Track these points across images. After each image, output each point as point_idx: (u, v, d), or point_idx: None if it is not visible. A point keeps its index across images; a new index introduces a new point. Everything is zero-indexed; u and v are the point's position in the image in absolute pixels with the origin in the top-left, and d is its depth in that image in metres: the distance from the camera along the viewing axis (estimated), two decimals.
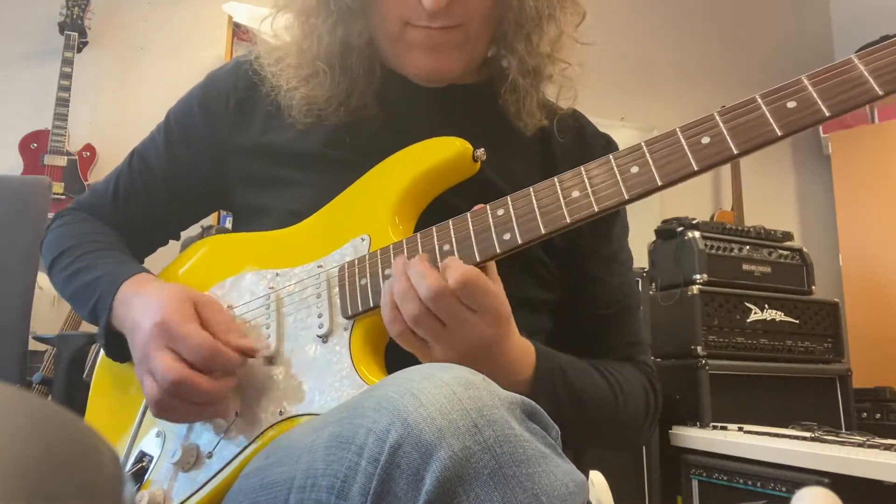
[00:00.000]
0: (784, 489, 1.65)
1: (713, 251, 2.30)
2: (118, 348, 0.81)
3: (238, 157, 0.89)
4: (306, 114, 0.84)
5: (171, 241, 1.03)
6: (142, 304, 0.75)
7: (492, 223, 0.66)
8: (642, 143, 0.62)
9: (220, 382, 0.70)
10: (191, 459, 0.73)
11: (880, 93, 0.53)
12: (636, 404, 0.84)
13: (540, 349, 0.74)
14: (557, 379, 0.75)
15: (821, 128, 3.75)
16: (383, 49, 0.85)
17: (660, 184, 0.60)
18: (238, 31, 2.89)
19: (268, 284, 0.79)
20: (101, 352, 0.88)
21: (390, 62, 0.87)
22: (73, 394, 1.46)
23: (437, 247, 0.68)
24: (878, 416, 2.52)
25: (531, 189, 0.66)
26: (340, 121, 0.84)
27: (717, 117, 0.59)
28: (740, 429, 1.94)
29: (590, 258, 0.87)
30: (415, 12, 0.77)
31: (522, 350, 0.72)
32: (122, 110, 2.79)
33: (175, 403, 0.70)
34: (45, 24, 2.75)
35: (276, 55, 0.86)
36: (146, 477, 0.76)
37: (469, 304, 0.63)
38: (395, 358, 0.70)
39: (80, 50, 2.72)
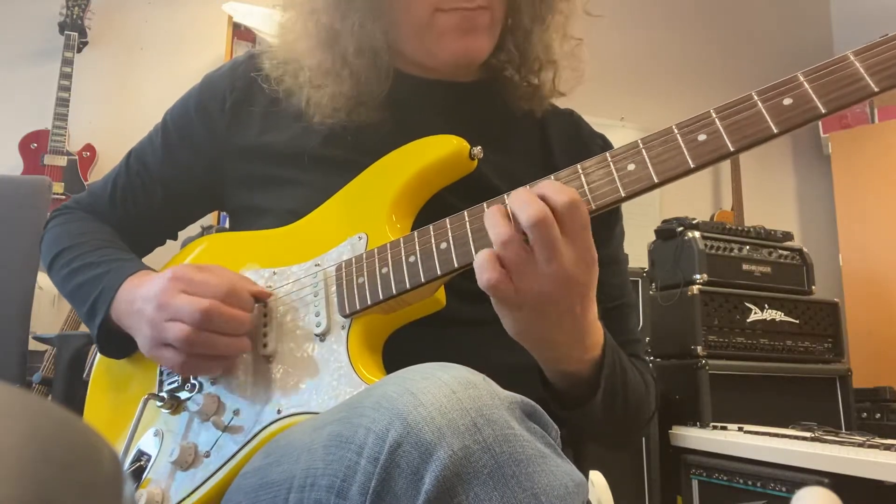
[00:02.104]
0: (784, 489, 1.65)
1: (713, 251, 2.30)
2: (112, 344, 0.81)
3: (235, 157, 0.89)
4: (332, 114, 0.83)
5: (169, 242, 1.03)
6: (147, 283, 0.76)
7: None
8: (639, 141, 0.62)
9: (244, 313, 0.72)
10: (189, 458, 0.73)
11: (876, 89, 0.53)
12: (652, 399, 0.84)
13: (604, 328, 0.71)
14: (617, 365, 0.73)
15: (821, 128, 3.75)
16: (404, 44, 0.85)
17: (656, 181, 0.60)
18: (238, 31, 2.89)
19: (265, 283, 0.79)
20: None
21: (411, 57, 0.86)
22: (73, 394, 1.46)
23: (434, 245, 0.68)
24: (878, 416, 2.52)
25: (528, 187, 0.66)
26: (360, 121, 0.83)
27: (714, 114, 0.59)
28: (740, 429, 1.94)
29: None
30: None
31: (598, 325, 0.69)
32: (122, 110, 2.79)
33: (205, 340, 0.70)
34: (45, 24, 2.75)
35: (292, 56, 0.86)
36: (144, 476, 0.76)
37: (569, 230, 0.59)
38: (393, 357, 0.70)
39: (80, 50, 2.72)
